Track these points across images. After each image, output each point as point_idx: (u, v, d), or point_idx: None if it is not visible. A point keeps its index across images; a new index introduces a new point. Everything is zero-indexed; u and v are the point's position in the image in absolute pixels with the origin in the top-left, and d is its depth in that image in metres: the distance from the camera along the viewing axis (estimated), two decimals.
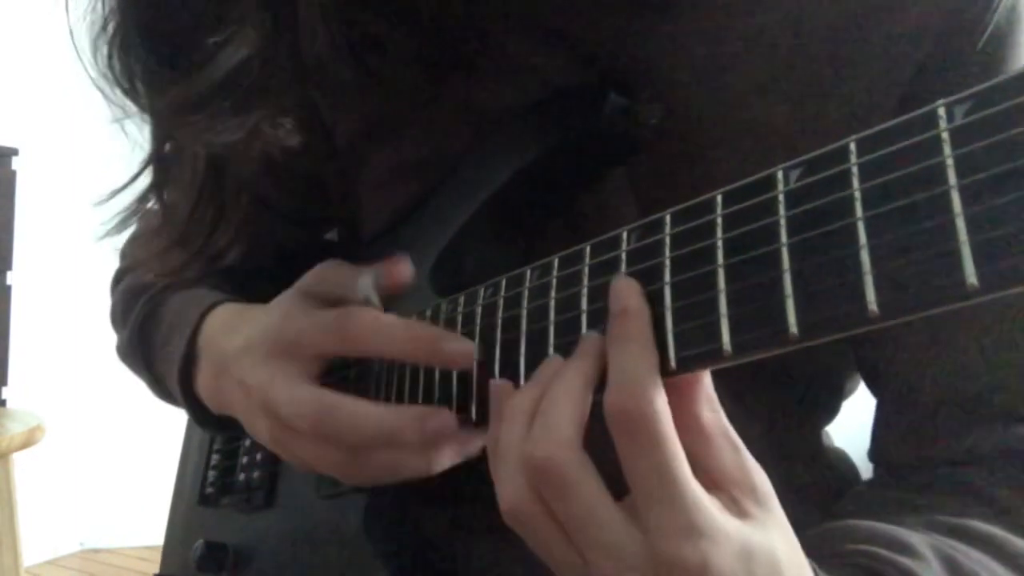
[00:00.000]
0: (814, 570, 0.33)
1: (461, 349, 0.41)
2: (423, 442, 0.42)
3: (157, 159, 0.49)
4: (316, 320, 0.44)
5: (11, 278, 2.12)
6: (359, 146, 0.58)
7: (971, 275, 0.21)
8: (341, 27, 0.44)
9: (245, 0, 0.40)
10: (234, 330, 0.51)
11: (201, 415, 0.56)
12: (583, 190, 0.49)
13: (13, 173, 2.13)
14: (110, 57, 0.43)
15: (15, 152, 2.14)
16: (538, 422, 0.33)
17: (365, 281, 0.46)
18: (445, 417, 0.41)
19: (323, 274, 0.49)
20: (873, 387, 0.52)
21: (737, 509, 0.31)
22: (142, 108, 0.45)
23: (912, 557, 0.38)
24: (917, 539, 0.39)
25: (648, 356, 0.31)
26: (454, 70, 0.50)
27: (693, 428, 0.31)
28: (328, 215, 0.70)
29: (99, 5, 0.42)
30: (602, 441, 0.32)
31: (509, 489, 0.34)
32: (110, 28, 0.42)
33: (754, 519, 0.31)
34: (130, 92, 0.44)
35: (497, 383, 0.38)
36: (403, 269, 0.47)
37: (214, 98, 0.42)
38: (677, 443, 0.30)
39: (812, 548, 0.35)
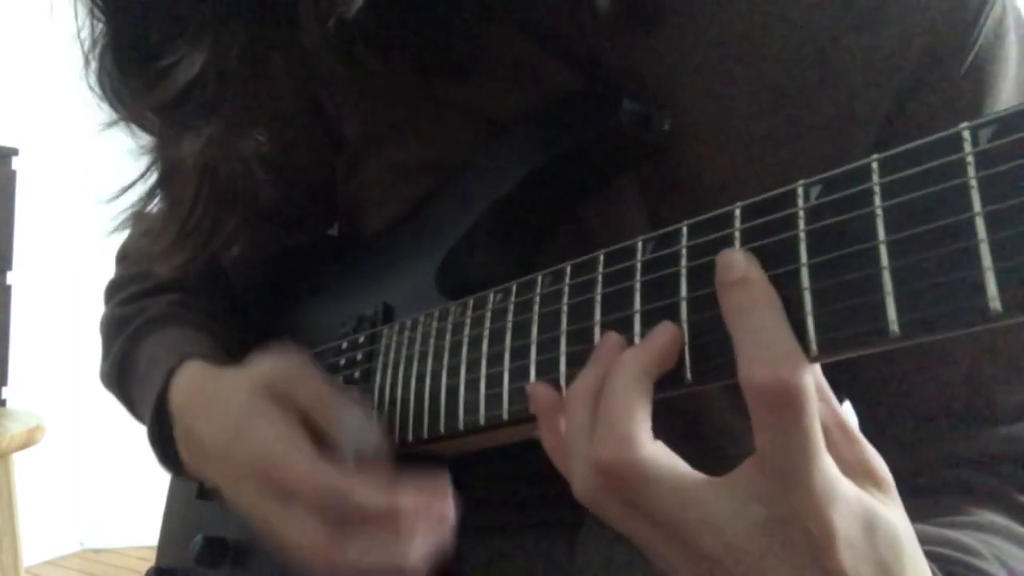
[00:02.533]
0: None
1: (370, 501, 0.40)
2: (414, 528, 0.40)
3: (163, 157, 0.51)
4: (315, 477, 0.41)
5: (11, 278, 2.11)
6: (362, 145, 0.58)
7: (994, 299, 0.21)
8: (335, 26, 0.43)
9: (199, 19, 0.41)
10: (200, 410, 0.50)
11: (175, 467, 0.55)
12: (592, 195, 0.49)
13: (13, 173, 2.12)
14: (98, 71, 0.45)
15: (15, 152, 2.13)
16: (601, 419, 0.32)
17: (352, 439, 0.44)
18: (445, 506, 0.40)
19: (302, 383, 0.45)
20: (858, 395, 0.52)
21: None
22: (124, 120, 0.47)
23: (977, 557, 0.39)
24: (969, 539, 0.40)
25: (786, 323, 0.29)
26: (447, 73, 0.51)
27: None
28: (327, 215, 0.70)
29: (90, 22, 0.44)
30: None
31: (582, 485, 0.33)
32: (99, 45, 0.44)
33: (876, 499, 0.31)
34: (114, 104, 0.46)
35: (536, 387, 0.37)
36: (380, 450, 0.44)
37: (168, 111, 0.44)
38: (817, 415, 0.29)
39: None
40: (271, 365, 0.46)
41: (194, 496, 0.65)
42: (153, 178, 0.51)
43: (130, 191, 0.53)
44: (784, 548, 0.29)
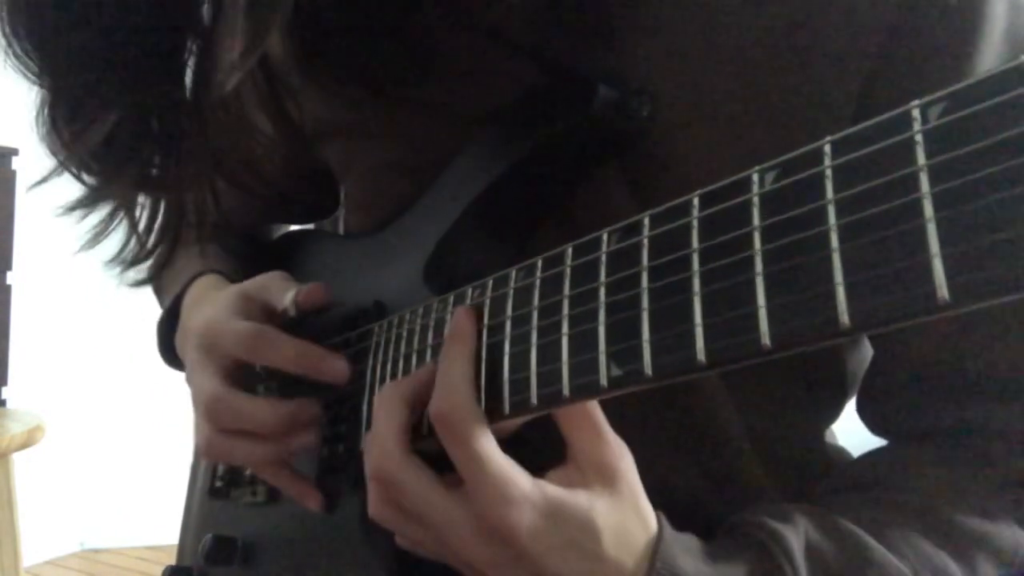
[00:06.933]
0: (660, 527, 0.39)
1: (336, 368, 0.50)
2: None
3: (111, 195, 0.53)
4: (237, 329, 0.52)
5: (11, 278, 2.12)
6: (348, 147, 0.60)
7: (942, 287, 0.20)
8: (293, 38, 0.51)
9: (112, 84, 0.43)
10: (197, 307, 0.60)
11: (169, 355, 0.66)
12: (577, 185, 0.49)
13: (13, 173, 2.13)
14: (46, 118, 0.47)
15: (15, 152, 2.14)
16: (371, 438, 0.41)
17: (289, 295, 0.54)
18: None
19: (264, 282, 0.57)
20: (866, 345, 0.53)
21: (581, 479, 0.38)
22: (66, 166, 0.49)
23: (782, 521, 0.41)
24: (792, 506, 0.43)
25: (466, 370, 0.38)
26: (406, 80, 0.52)
27: (565, 414, 0.38)
28: (313, 213, 0.75)
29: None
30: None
31: (370, 502, 0.42)
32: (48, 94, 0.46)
33: (589, 489, 0.38)
34: (54, 151, 0.48)
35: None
36: (318, 293, 0.53)
37: (85, 167, 0.48)
38: (486, 435, 0.37)
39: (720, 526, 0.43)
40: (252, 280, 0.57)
41: (207, 495, 0.66)
42: (107, 208, 0.53)
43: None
44: (497, 551, 0.37)
